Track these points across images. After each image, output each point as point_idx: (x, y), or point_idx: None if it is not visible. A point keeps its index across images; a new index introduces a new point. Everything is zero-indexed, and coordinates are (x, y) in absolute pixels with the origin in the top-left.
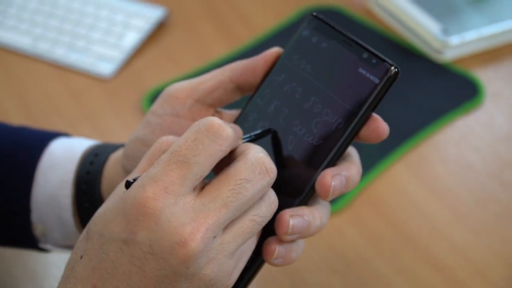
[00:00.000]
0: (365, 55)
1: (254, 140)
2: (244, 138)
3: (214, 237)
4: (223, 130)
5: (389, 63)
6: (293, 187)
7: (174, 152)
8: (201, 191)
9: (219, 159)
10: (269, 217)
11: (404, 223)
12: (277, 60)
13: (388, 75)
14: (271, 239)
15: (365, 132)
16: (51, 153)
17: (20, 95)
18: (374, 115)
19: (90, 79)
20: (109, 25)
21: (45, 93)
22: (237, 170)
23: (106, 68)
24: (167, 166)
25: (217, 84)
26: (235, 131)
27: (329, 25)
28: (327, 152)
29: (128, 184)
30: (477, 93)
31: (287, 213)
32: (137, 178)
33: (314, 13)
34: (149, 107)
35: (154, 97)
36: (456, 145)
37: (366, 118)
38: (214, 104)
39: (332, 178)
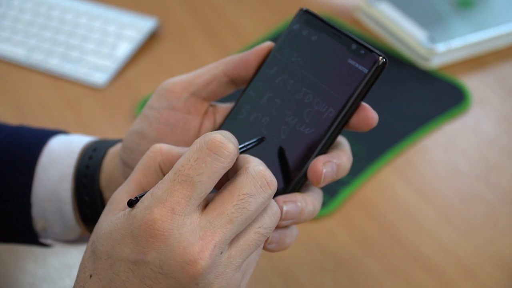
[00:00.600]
0: (354, 46)
1: (249, 149)
2: (240, 148)
3: (221, 252)
4: (225, 148)
5: (377, 53)
6: (286, 175)
7: (177, 172)
8: (204, 207)
9: (222, 175)
10: (273, 227)
11: (393, 225)
12: (269, 53)
13: (377, 65)
14: None
15: (354, 120)
16: (51, 149)
17: (15, 104)
18: (363, 104)
19: (84, 89)
20: (102, 35)
21: (40, 102)
22: (239, 185)
23: (99, 77)
24: (172, 187)
25: (211, 78)
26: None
27: (319, 19)
28: (318, 141)
29: (130, 203)
30: (464, 99)
31: (280, 199)
32: (140, 197)
33: (304, 8)
34: None
35: None
36: (444, 149)
37: (355, 107)
38: (208, 98)
39: (323, 165)
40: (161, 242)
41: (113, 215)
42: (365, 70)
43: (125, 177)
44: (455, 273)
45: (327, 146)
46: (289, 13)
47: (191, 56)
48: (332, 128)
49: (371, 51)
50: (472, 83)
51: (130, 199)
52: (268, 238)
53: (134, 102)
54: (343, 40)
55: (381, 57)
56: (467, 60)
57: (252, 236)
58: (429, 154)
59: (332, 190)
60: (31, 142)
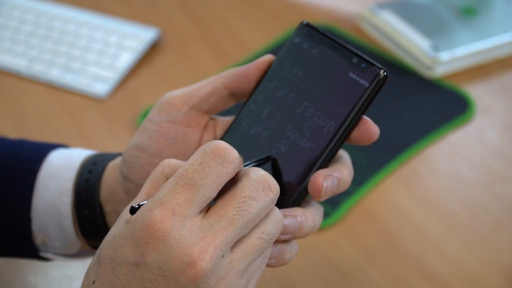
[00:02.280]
0: (355, 59)
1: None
2: (245, 166)
3: (223, 256)
4: (229, 153)
5: (378, 67)
6: (286, 189)
7: (180, 176)
8: (206, 212)
9: (225, 182)
10: (276, 234)
11: (397, 236)
12: (269, 67)
13: (378, 78)
14: None
15: (356, 134)
16: (51, 163)
17: (16, 116)
18: (365, 117)
19: (86, 99)
20: (104, 46)
21: (42, 113)
22: (241, 188)
23: (101, 88)
24: (174, 189)
25: (212, 91)
26: None
27: (319, 32)
28: (319, 155)
29: (132, 210)
30: (468, 108)
31: None
32: (142, 204)
33: (305, 21)
34: None
35: None
36: (448, 159)
37: (356, 120)
38: (209, 111)
39: (324, 179)
40: (161, 243)
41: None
42: (366, 84)
43: (125, 190)
44: (460, 284)
45: (328, 160)
46: (291, 23)
47: (192, 66)
48: (333, 142)
49: (372, 64)
50: (476, 92)
51: (132, 206)
52: None
53: (136, 112)
54: (344, 53)
55: (382, 71)
56: (471, 69)
57: (254, 241)
58: (433, 163)
59: (335, 201)
60: (31, 155)
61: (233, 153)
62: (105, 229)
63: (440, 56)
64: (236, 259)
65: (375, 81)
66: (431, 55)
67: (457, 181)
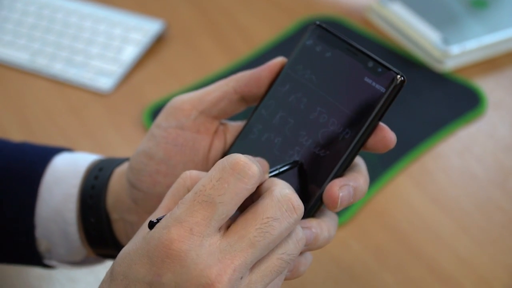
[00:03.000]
0: (370, 64)
1: (281, 173)
2: (271, 172)
3: (241, 278)
4: (249, 168)
5: (395, 72)
6: (301, 199)
7: (198, 192)
8: (226, 230)
9: (245, 198)
10: (296, 254)
11: (409, 235)
12: (281, 70)
13: (394, 83)
14: None
15: (372, 141)
16: (55, 168)
17: (19, 110)
18: (381, 124)
19: (90, 94)
20: (107, 39)
21: (45, 108)
22: (264, 208)
23: (105, 82)
24: (192, 207)
25: (222, 95)
26: (262, 165)
27: (332, 34)
28: (334, 163)
29: (151, 225)
30: (479, 103)
31: None
32: (160, 218)
33: (317, 22)
34: (149, 121)
35: (154, 111)
36: (459, 155)
37: (373, 127)
38: (219, 116)
39: (340, 189)
40: (177, 264)
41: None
42: (383, 89)
43: (132, 198)
44: (472, 284)
45: (343, 168)
46: (299, 15)
47: (198, 59)
48: (349, 150)
49: (389, 69)
50: (487, 86)
51: (150, 221)
52: None
53: (141, 107)
54: (359, 57)
55: (399, 76)
56: (482, 62)
57: (274, 262)
58: (444, 160)
59: None
60: (34, 160)
61: (253, 168)
62: (112, 237)
63: (451, 49)
64: (254, 281)
65: (392, 86)
66: (441, 48)
67: (469, 179)
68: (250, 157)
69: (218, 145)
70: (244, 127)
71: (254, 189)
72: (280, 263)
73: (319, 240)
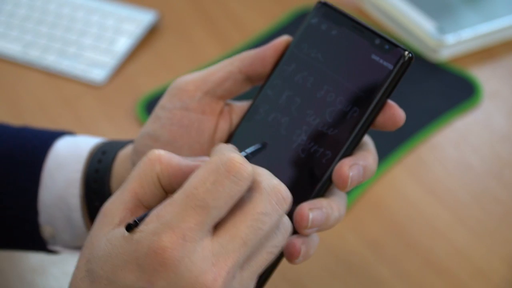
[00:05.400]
0: (377, 41)
1: (250, 158)
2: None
3: (234, 277)
4: (245, 170)
5: (403, 48)
6: (309, 179)
7: (190, 196)
8: (215, 229)
9: (238, 200)
10: (284, 244)
11: (405, 226)
12: (286, 49)
13: (402, 60)
14: (294, 239)
15: (381, 119)
16: (57, 153)
17: (11, 103)
18: (390, 102)
19: (83, 86)
20: (100, 30)
21: (37, 100)
22: (253, 203)
23: (98, 74)
24: (184, 211)
25: (226, 75)
26: None
27: (338, 11)
28: (343, 142)
29: (129, 227)
30: (475, 93)
31: (305, 206)
32: (139, 220)
33: (323, 0)
34: (143, 112)
35: (148, 102)
36: (455, 146)
37: (381, 105)
38: (223, 96)
39: (349, 168)
40: (171, 272)
41: (109, 230)
42: (390, 66)
43: None
44: (469, 276)
45: (352, 147)
46: (292, 5)
47: (192, 50)
48: (357, 128)
49: (396, 45)
50: (483, 75)
51: (128, 223)
52: (299, 253)
53: (135, 99)
54: (365, 34)
55: (406, 52)
56: (477, 52)
57: (264, 256)
58: (440, 151)
59: None
60: (35, 145)
61: (248, 170)
62: None
63: (446, 39)
64: (246, 277)
65: (400, 63)
66: (436, 38)
67: (465, 169)
68: (241, 155)
69: (224, 126)
70: (250, 107)
71: (247, 190)
72: (269, 256)
73: (330, 220)
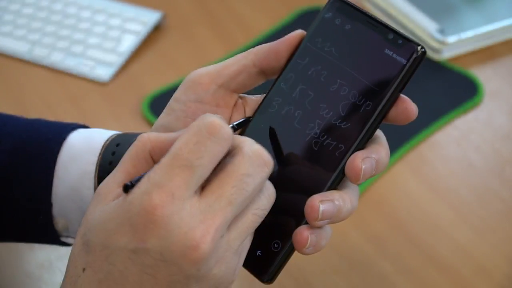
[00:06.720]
0: (391, 35)
1: (235, 128)
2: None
3: (222, 236)
4: (225, 131)
5: (416, 43)
6: (322, 172)
7: (176, 156)
8: (201, 190)
9: (220, 159)
10: (268, 209)
11: (407, 224)
12: (300, 43)
13: (415, 55)
14: (302, 228)
15: (393, 113)
16: (71, 146)
17: (18, 100)
18: (402, 96)
19: (89, 84)
20: (106, 29)
21: (44, 98)
22: (236, 165)
23: (104, 72)
24: (171, 171)
25: (240, 69)
26: None
27: (352, 6)
28: (356, 135)
29: (125, 188)
30: (476, 92)
31: (316, 198)
32: (135, 182)
33: None
34: (148, 111)
35: (152, 101)
36: (457, 144)
37: (394, 99)
38: (237, 89)
39: (362, 162)
40: (162, 228)
41: (103, 205)
42: (403, 61)
43: None
44: (471, 273)
45: (365, 141)
46: (297, 5)
47: (196, 49)
48: (370, 122)
49: (409, 40)
50: (484, 75)
51: (125, 184)
52: (307, 242)
53: (139, 97)
54: (379, 29)
55: (419, 47)
56: (478, 52)
57: (250, 217)
58: (442, 149)
59: None
60: (49, 137)
61: (228, 130)
62: None
63: (448, 39)
64: (233, 238)
65: (413, 58)
66: (438, 38)
67: (467, 167)
68: (220, 116)
69: (237, 119)
70: (264, 100)
71: (228, 150)
72: (255, 218)
73: (343, 212)
